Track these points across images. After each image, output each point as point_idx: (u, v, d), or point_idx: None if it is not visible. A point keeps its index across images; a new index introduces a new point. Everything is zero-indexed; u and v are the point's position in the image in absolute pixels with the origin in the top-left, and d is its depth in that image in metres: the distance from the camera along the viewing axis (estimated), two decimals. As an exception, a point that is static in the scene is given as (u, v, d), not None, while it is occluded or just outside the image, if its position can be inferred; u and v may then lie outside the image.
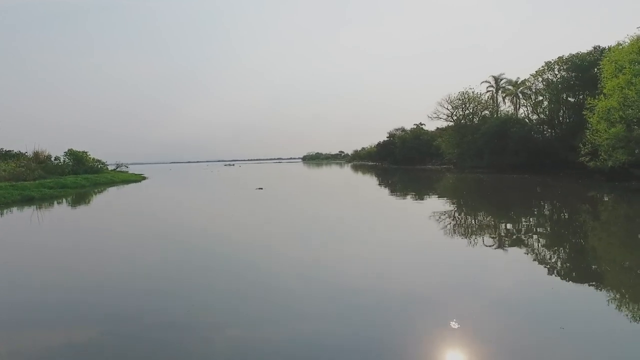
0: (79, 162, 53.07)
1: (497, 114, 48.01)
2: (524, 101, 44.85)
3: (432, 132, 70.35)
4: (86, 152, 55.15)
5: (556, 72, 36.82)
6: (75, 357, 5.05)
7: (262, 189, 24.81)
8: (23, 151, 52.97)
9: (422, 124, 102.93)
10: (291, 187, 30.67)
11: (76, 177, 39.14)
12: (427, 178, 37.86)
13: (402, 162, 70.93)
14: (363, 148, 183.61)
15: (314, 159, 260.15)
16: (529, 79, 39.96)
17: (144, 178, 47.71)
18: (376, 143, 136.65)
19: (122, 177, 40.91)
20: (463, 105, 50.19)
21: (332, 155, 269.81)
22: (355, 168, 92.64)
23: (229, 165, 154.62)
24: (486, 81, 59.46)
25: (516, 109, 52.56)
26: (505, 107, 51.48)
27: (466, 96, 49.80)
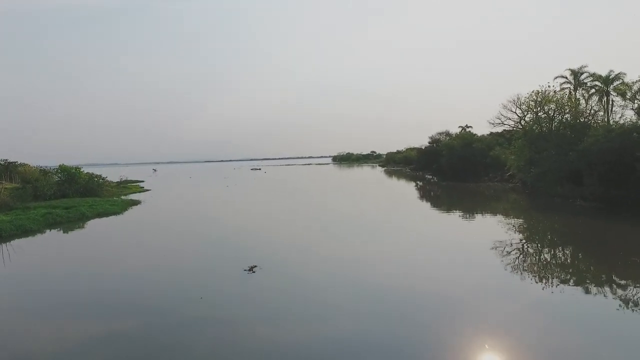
0: (71, 179, 45.67)
1: (586, 118, 36.33)
2: (628, 102, 33.06)
3: (486, 138, 58.81)
4: (79, 168, 47.82)
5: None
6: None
7: (254, 270, 13.74)
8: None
9: (468, 127, 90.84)
10: (312, 254, 20.45)
11: (46, 207, 30.89)
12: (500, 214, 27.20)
13: (448, 174, 59.82)
14: (398, 151, 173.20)
15: (345, 160, 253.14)
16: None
17: (136, 202, 38.99)
18: (412, 145, 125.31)
19: (100, 209, 32.08)
20: (537, 109, 38.83)
21: (363, 155, 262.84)
22: (390, 174, 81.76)
23: (256, 169, 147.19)
24: (561, 76, 47.72)
25: (607, 112, 40.65)
26: (588, 108, 39.69)
27: (542, 97, 38.38)
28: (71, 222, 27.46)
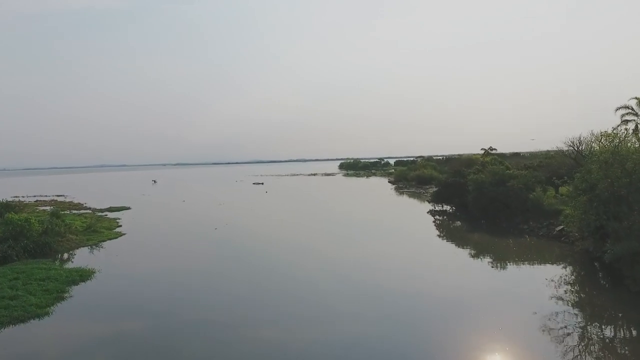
0: (19, 234, 37.29)
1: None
2: None
3: (521, 174, 49.56)
4: (30, 219, 39.31)
5: None
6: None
7: None
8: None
9: (492, 149, 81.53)
10: None
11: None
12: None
13: (476, 214, 50.79)
14: (410, 160, 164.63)
15: (353, 168, 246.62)
16: None
17: (87, 275, 29.79)
18: (418, 151, 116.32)
19: (20, 307, 23.30)
20: (610, 159, 29.64)
21: (371, 163, 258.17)
22: (402, 194, 72.30)
23: (258, 184, 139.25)
24: (625, 106, 38.49)
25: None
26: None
27: (617, 142, 29.23)
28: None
